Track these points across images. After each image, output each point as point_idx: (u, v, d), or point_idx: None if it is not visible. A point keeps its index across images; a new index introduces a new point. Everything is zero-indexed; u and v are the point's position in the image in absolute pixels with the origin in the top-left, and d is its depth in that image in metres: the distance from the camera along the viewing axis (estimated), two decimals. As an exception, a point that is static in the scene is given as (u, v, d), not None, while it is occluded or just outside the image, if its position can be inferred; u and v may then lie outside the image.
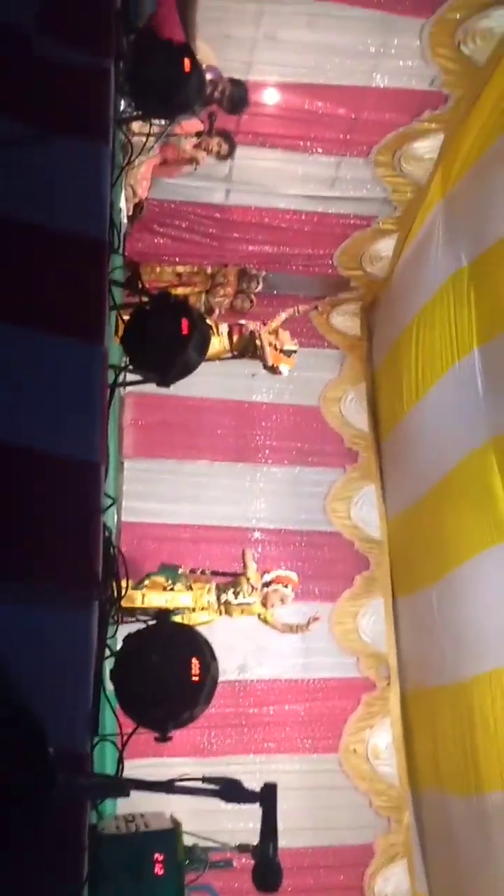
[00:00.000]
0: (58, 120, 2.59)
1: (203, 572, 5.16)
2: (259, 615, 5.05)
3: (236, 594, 4.94)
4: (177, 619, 4.59)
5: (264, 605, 5.02)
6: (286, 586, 5.06)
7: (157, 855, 1.87)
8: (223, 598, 4.91)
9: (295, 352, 5.51)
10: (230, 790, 1.81)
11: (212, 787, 1.81)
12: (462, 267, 5.22)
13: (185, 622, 4.65)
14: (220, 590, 4.95)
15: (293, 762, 5.65)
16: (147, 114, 3.14)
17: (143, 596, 4.71)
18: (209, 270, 6.07)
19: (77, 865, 1.79)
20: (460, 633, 5.17)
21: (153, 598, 4.73)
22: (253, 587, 5.02)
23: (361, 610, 6.14)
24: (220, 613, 4.92)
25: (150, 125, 3.57)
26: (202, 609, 4.83)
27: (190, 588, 4.88)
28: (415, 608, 5.88)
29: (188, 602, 4.84)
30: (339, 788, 5.67)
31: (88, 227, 2.43)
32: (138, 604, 4.66)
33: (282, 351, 5.42)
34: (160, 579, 4.86)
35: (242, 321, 5.41)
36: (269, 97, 5.35)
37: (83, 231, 2.42)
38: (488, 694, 4.76)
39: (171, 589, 4.81)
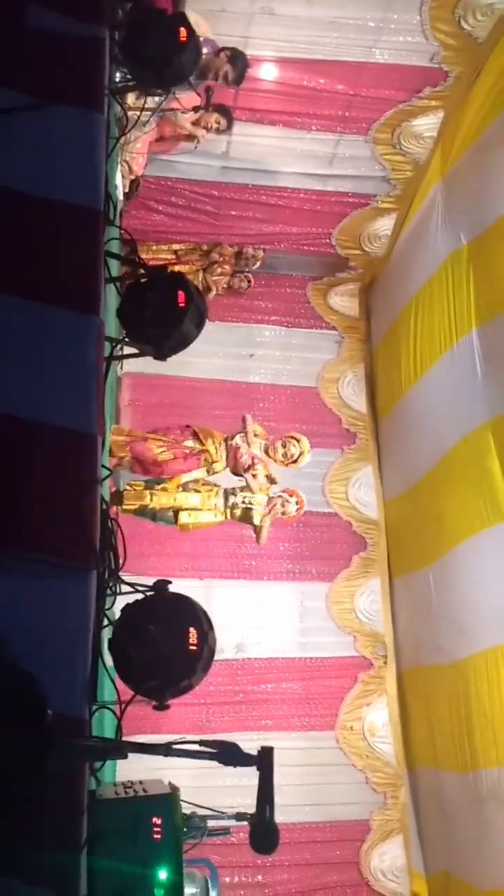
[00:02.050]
0: (52, 89, 2.55)
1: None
2: (255, 524, 4.89)
3: (244, 500, 4.83)
4: (184, 517, 4.72)
5: (267, 510, 4.87)
6: (291, 496, 4.91)
7: (154, 819, 1.88)
8: (230, 500, 4.82)
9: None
10: (228, 753, 1.82)
11: (209, 750, 1.82)
12: (461, 246, 5.18)
13: (192, 521, 4.74)
14: (229, 493, 4.85)
15: (290, 739, 5.68)
16: (141, 84, 3.10)
17: (152, 496, 4.67)
18: (205, 248, 6.03)
19: (76, 829, 1.81)
20: (456, 613, 5.19)
21: (162, 499, 4.69)
22: (261, 485, 4.85)
23: (359, 590, 6.17)
24: (227, 517, 4.83)
25: (146, 98, 3.53)
26: (209, 510, 4.77)
27: (198, 491, 4.80)
28: (412, 588, 5.91)
29: (196, 503, 4.77)
30: (335, 765, 5.71)
31: (82, 196, 2.41)
32: (147, 502, 4.64)
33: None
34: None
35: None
36: (267, 73, 5.28)
37: (77, 200, 2.39)
38: (483, 673, 4.80)
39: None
